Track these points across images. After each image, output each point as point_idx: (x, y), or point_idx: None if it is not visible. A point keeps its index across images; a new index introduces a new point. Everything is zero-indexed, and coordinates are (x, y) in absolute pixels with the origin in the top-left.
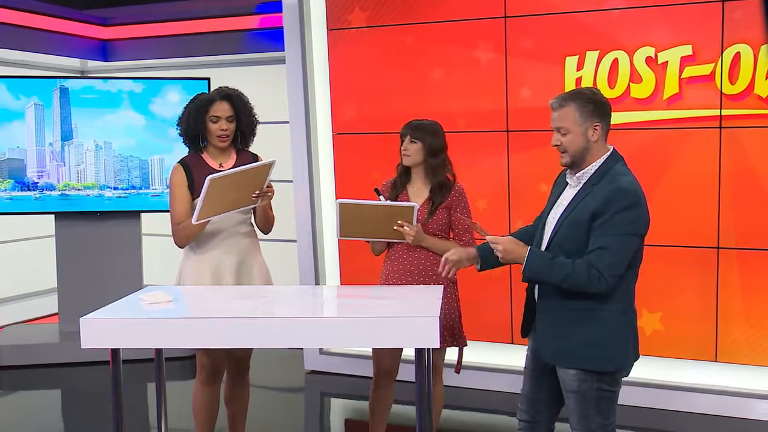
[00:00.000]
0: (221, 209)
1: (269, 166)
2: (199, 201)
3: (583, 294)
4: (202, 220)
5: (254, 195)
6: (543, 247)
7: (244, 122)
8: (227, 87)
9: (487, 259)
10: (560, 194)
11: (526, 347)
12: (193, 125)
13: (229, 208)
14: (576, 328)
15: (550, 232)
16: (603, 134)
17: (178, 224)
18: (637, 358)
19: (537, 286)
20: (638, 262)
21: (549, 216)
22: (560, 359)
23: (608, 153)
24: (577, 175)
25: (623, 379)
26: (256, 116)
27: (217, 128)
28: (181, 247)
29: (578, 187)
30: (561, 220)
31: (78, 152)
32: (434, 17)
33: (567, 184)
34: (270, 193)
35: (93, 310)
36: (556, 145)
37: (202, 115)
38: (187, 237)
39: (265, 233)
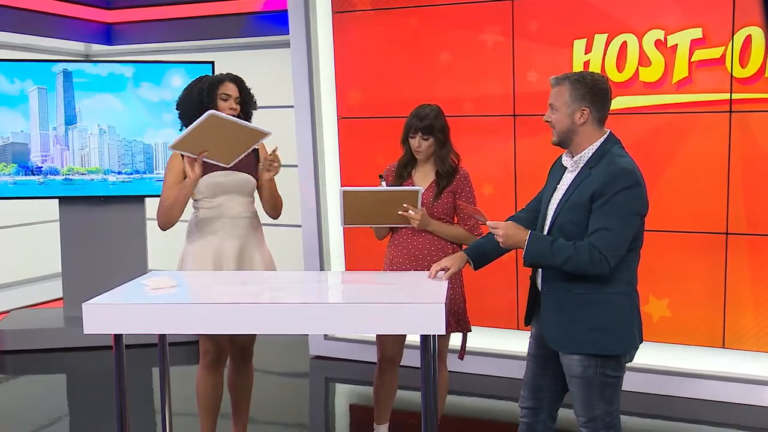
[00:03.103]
0: (201, 147)
1: (264, 134)
2: (188, 128)
3: (588, 277)
4: (178, 151)
5: (261, 164)
6: (545, 232)
7: (246, 106)
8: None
9: (479, 259)
10: (559, 179)
11: (529, 333)
12: (197, 101)
13: (210, 154)
14: (582, 313)
15: (551, 216)
16: (594, 120)
17: (163, 204)
18: (641, 342)
19: (540, 273)
20: (640, 244)
21: (550, 201)
22: (566, 344)
23: (605, 136)
24: (575, 159)
25: (630, 364)
26: (255, 103)
27: (226, 106)
28: (163, 229)
29: (576, 171)
30: (561, 204)
31: (82, 136)
32: (440, 0)
33: (565, 168)
34: (276, 164)
35: (97, 294)
36: (547, 121)
37: (213, 92)
38: (168, 214)
39: (274, 217)
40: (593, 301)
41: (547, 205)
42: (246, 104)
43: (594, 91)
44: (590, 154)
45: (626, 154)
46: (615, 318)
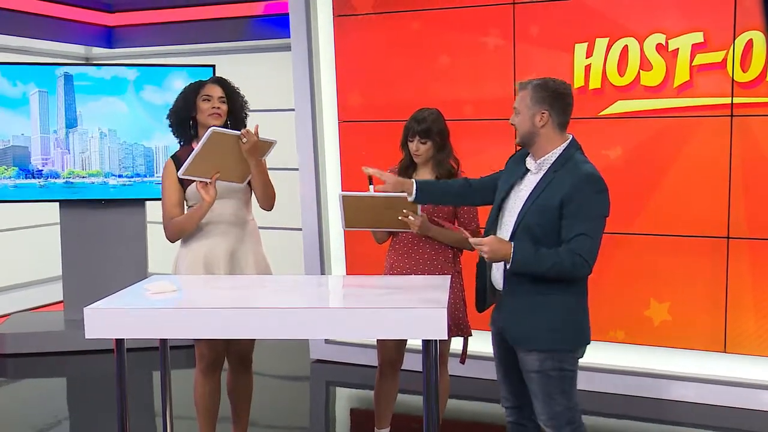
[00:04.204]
0: (209, 171)
1: (270, 143)
2: (194, 152)
3: (549, 278)
4: (190, 177)
5: (242, 139)
6: (508, 234)
7: (237, 105)
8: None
9: (425, 193)
10: (517, 179)
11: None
12: (183, 106)
13: (222, 175)
14: (546, 311)
15: (515, 218)
16: (554, 123)
17: (171, 219)
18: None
19: (502, 272)
20: None
21: (509, 203)
22: (529, 342)
23: (568, 141)
24: (538, 161)
25: (631, 367)
26: (247, 104)
27: (209, 106)
28: (172, 242)
29: (540, 174)
30: (526, 207)
31: (82, 140)
32: (442, 3)
33: (527, 170)
34: (250, 137)
35: (98, 298)
36: (512, 124)
37: (193, 96)
38: (180, 231)
39: (268, 208)
40: (557, 300)
41: (502, 203)
42: (233, 105)
43: (554, 95)
44: (554, 158)
45: (588, 160)
46: (575, 314)
